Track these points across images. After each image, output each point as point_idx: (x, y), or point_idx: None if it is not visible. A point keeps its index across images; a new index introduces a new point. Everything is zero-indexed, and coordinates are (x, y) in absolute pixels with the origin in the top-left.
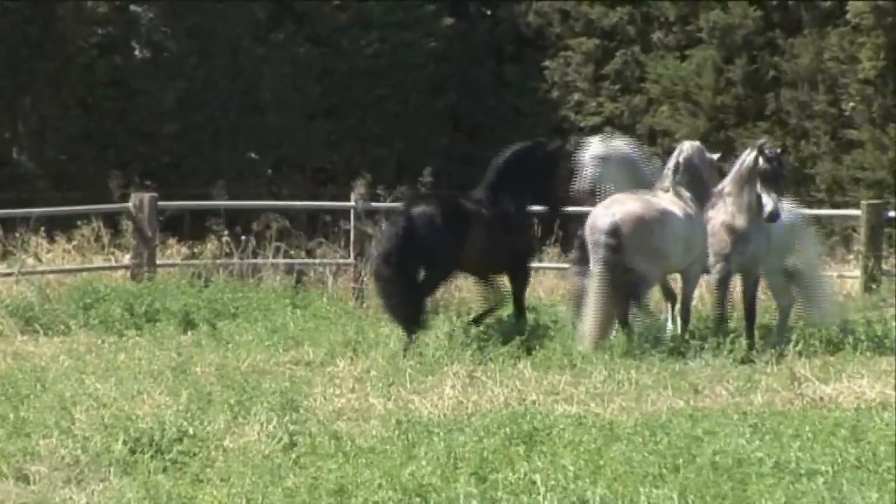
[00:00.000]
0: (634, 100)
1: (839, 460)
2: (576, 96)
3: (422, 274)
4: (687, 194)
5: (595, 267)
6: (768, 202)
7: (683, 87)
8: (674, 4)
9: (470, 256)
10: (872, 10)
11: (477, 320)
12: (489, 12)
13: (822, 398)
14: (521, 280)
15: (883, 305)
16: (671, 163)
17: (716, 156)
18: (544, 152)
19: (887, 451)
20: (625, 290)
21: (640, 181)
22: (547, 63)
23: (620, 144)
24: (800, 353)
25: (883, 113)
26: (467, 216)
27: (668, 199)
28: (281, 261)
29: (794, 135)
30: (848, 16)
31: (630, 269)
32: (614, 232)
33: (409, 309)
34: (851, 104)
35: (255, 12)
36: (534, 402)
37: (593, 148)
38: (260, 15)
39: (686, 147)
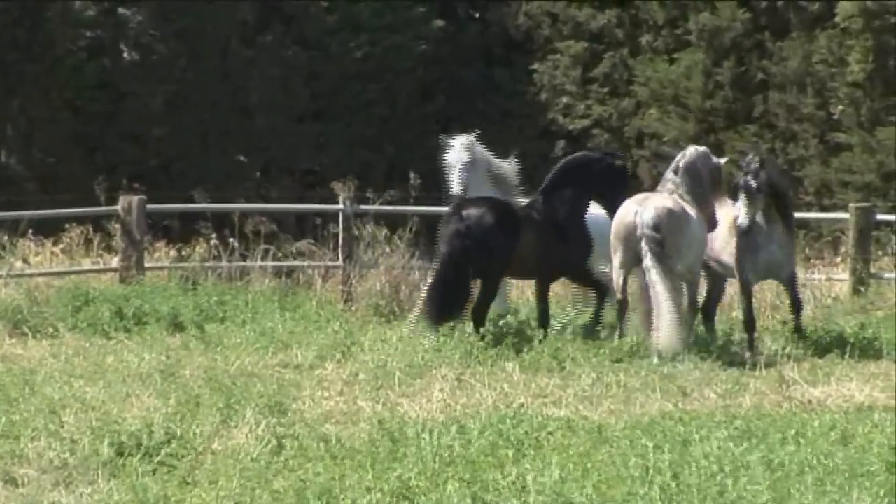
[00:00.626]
0: (623, 103)
1: (828, 463)
2: (564, 99)
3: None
4: (688, 197)
5: (646, 262)
6: (740, 212)
7: (672, 89)
8: (662, 7)
9: (519, 258)
10: (861, 12)
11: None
12: (478, 15)
13: (810, 401)
14: (585, 280)
15: (871, 308)
16: (672, 165)
17: (723, 160)
18: (613, 166)
19: (878, 453)
20: (678, 282)
21: (504, 183)
22: (535, 66)
23: (481, 148)
24: (788, 356)
25: (871, 116)
26: (518, 218)
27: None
28: (269, 263)
29: (782, 138)
30: (836, 18)
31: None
32: (658, 226)
33: (459, 309)
34: (840, 107)
35: (243, 14)
36: (522, 405)
37: (459, 152)
38: (248, 17)
39: (689, 151)
